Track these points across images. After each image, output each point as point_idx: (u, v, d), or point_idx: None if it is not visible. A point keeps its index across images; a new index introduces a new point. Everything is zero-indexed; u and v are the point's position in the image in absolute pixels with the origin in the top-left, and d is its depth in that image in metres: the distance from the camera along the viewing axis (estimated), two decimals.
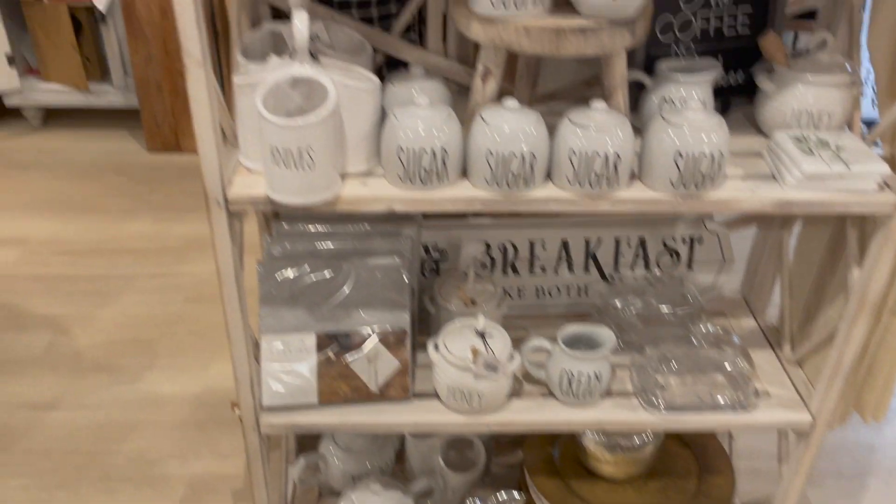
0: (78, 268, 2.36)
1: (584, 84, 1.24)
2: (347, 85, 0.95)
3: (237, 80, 0.97)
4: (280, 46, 1.08)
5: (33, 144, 3.08)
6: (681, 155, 0.96)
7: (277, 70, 0.94)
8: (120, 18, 2.88)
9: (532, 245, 1.36)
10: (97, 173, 2.88)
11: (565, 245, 1.36)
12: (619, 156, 0.96)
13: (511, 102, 0.98)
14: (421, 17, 1.23)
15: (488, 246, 1.35)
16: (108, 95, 3.08)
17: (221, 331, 1.12)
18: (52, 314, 2.16)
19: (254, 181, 1.00)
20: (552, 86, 1.23)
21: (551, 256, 1.36)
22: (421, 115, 0.96)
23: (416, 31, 1.26)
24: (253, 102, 0.91)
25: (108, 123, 3.22)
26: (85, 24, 3.02)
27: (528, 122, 0.96)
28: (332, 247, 1.17)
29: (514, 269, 1.38)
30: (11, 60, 2.97)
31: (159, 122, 2.97)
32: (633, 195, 1.00)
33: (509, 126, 0.95)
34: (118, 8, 2.85)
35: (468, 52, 1.20)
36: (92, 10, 2.95)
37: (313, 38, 1.05)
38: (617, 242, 1.36)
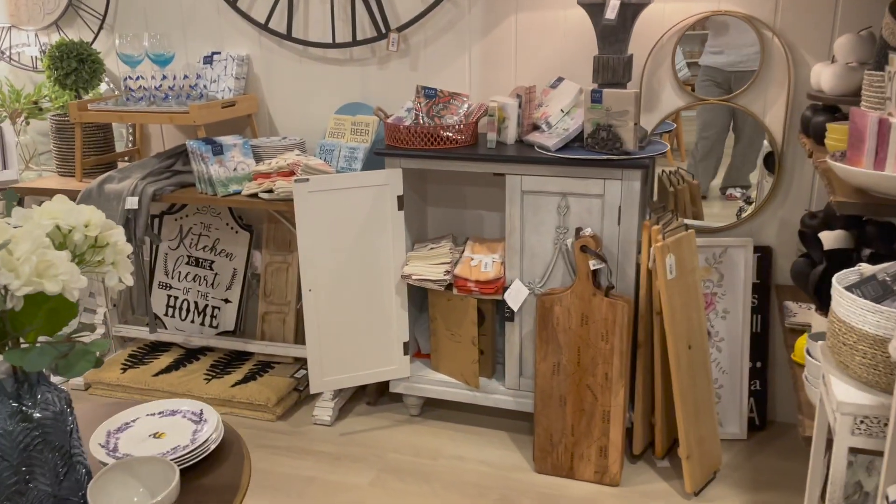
0: None
1: None
2: None
3: None
4: None
5: (406, 439, 2.78)
6: None
7: None
8: (530, 318, 2.56)
9: None
10: (475, 492, 2.43)
11: None
12: None
13: None
14: None
15: None
16: (497, 395, 2.72)
17: None
18: None
19: None
20: None
21: None
22: None
23: None
24: None
25: (490, 423, 2.84)
26: (488, 319, 2.76)
27: None
28: None
29: None
30: (406, 348, 2.79)
31: (554, 441, 2.48)
32: None
33: None
34: (531, 307, 2.54)
35: None
36: (499, 304, 2.69)
37: None
38: None
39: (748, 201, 2.91)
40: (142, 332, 3.25)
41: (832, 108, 2.21)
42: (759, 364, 2.72)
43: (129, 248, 1.32)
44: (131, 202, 2.71)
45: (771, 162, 2.74)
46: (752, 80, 2.53)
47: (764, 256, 2.67)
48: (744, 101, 2.56)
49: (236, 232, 3.23)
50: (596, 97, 2.41)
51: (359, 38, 2.91)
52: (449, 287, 2.65)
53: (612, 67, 2.45)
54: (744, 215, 2.74)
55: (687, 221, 2.70)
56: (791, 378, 2.61)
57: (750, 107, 2.57)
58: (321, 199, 2.57)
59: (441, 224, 3.04)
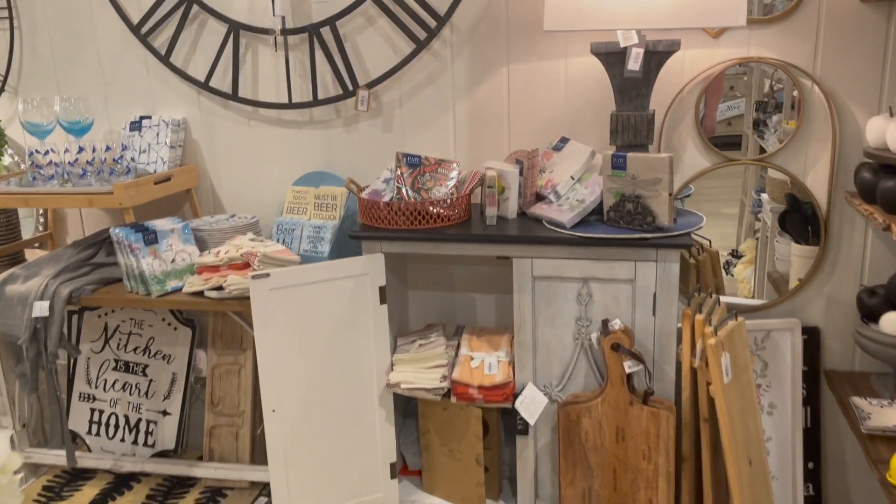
0: None
1: None
2: None
3: None
4: None
5: None
6: None
7: None
8: (546, 428, 2.10)
9: None
10: None
11: None
12: None
13: None
14: None
15: None
16: None
17: None
18: None
19: None
20: None
21: None
22: None
23: None
24: None
25: None
26: (492, 428, 2.29)
27: None
28: None
29: None
30: (393, 470, 2.28)
31: None
32: None
33: None
34: (547, 415, 2.08)
35: None
36: (507, 413, 2.23)
37: None
38: None
39: (736, 255, 2.56)
40: (60, 458, 2.63)
41: None
42: (811, 465, 2.32)
43: (17, 463, 0.81)
44: (40, 308, 2.14)
45: (790, 223, 2.39)
46: (792, 135, 2.18)
47: (811, 339, 2.29)
48: (781, 159, 2.21)
49: (175, 328, 2.68)
50: (618, 163, 2.00)
51: (320, 96, 2.45)
52: (447, 394, 2.17)
53: (633, 126, 2.06)
54: (789, 288, 2.36)
55: (723, 299, 2.31)
56: (860, 487, 2.23)
57: (788, 167, 2.21)
58: (285, 296, 2.06)
59: (426, 311, 2.56)
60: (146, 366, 2.70)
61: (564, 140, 2.28)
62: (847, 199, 2.12)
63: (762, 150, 2.29)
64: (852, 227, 2.21)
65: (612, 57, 2.02)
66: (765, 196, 2.43)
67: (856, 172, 2.05)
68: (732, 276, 2.64)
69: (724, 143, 2.39)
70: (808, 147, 2.18)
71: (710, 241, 2.53)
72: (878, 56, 2.07)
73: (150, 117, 2.55)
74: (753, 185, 2.59)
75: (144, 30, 2.49)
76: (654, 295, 1.98)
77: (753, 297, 2.51)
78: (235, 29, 2.43)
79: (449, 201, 2.14)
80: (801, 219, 2.42)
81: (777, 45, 2.13)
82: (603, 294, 2.02)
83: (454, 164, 2.22)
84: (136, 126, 2.54)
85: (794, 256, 2.45)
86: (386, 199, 2.19)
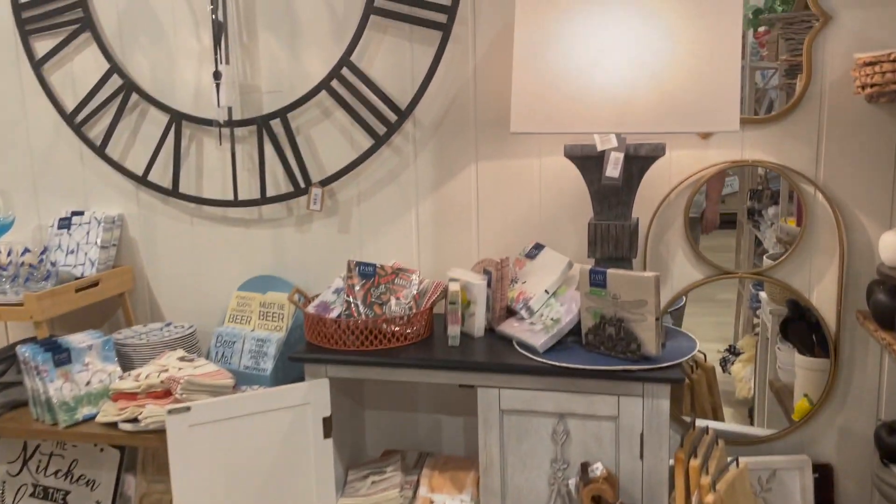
0: None
1: None
2: None
3: None
4: None
5: None
6: None
7: None
8: None
9: None
10: None
11: None
12: None
13: None
14: None
15: None
16: None
17: None
18: None
19: None
20: None
21: None
22: None
23: None
24: None
25: None
26: None
27: None
28: None
29: None
30: None
31: None
32: None
33: None
34: None
35: None
36: None
37: None
38: None
39: (733, 352, 2.29)
40: None
41: None
42: None
43: None
44: None
45: (793, 331, 2.13)
46: (794, 247, 1.94)
47: (823, 478, 2.00)
48: (782, 272, 1.96)
49: (101, 450, 2.35)
50: (598, 280, 1.75)
51: (270, 193, 2.21)
52: None
53: (613, 238, 1.82)
54: (796, 420, 2.07)
55: (716, 426, 2.02)
56: None
57: (790, 281, 1.96)
58: (209, 432, 1.76)
59: (385, 434, 2.25)
60: (67, 492, 2.36)
61: (539, 247, 2.03)
62: (859, 321, 1.86)
63: (758, 243, 2.05)
64: (865, 350, 1.94)
65: (588, 161, 1.79)
66: (763, 295, 2.19)
67: (869, 292, 1.80)
68: (730, 373, 2.36)
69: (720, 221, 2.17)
70: (812, 259, 1.93)
71: (704, 356, 2.27)
72: (888, 161, 1.85)
73: (82, 213, 2.29)
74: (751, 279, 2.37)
75: (79, 119, 2.27)
76: (642, 435, 1.69)
77: (754, 406, 2.23)
78: (178, 119, 2.21)
79: (406, 318, 1.87)
80: (804, 328, 2.16)
81: (774, 147, 1.91)
82: (582, 432, 1.73)
83: (413, 274, 1.96)
84: (65, 223, 2.28)
85: (798, 368, 2.18)
86: (335, 313, 1.93)
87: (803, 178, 1.90)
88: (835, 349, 1.95)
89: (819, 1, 1.81)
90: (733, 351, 2.37)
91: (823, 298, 1.94)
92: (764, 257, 2.20)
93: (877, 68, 1.58)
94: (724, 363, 2.37)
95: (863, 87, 1.66)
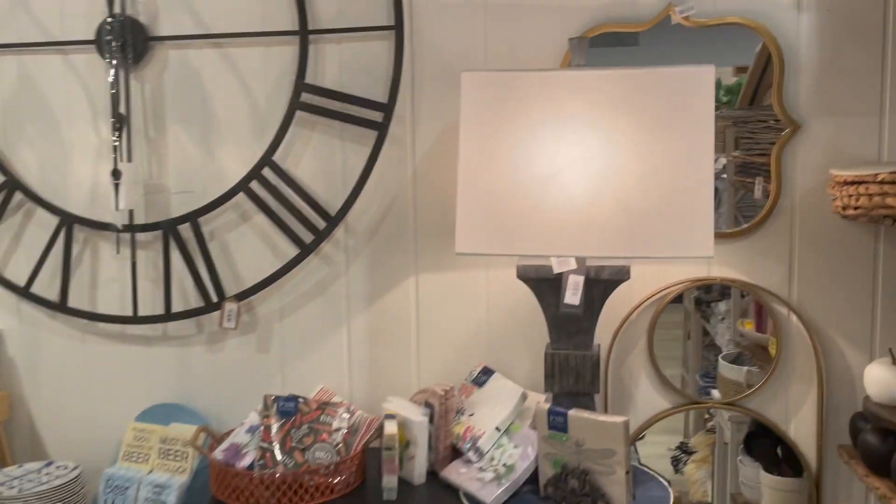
0: None
1: None
2: None
3: None
4: None
5: None
6: None
7: None
8: None
9: None
10: None
11: None
12: None
13: None
14: None
15: None
16: None
17: None
18: None
19: None
20: None
21: None
22: None
23: None
24: None
25: None
26: None
27: None
28: None
29: None
30: None
31: None
32: None
33: None
34: None
35: None
36: None
37: None
38: None
39: (685, 451, 2.07)
40: None
41: None
42: None
43: None
44: None
45: (757, 448, 1.93)
46: (769, 375, 1.75)
47: None
48: (756, 403, 1.77)
49: None
50: (557, 422, 1.51)
51: (176, 308, 1.91)
52: None
53: (573, 370, 1.59)
54: None
55: None
56: None
57: (765, 412, 1.76)
58: None
59: None
60: None
61: (487, 372, 1.79)
62: (843, 458, 1.67)
63: (705, 332, 1.87)
64: (850, 488, 1.75)
65: (544, 284, 1.56)
66: (716, 393, 1.99)
67: (854, 428, 1.62)
68: (682, 474, 2.15)
69: None
70: (788, 388, 1.74)
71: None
72: (866, 282, 1.70)
73: None
74: (698, 369, 2.17)
75: None
76: None
77: None
78: (69, 223, 1.90)
79: (333, 466, 1.59)
80: (769, 444, 1.97)
81: (743, 264, 1.74)
82: None
83: (341, 409, 1.68)
84: None
85: (766, 487, 1.98)
86: (247, 460, 1.62)
87: (776, 299, 1.72)
88: (817, 491, 1.75)
89: (787, 109, 1.68)
90: (685, 449, 2.17)
91: (802, 432, 1.75)
92: (720, 358, 2.02)
93: (861, 189, 1.43)
94: (676, 462, 2.16)
95: (844, 208, 1.51)
